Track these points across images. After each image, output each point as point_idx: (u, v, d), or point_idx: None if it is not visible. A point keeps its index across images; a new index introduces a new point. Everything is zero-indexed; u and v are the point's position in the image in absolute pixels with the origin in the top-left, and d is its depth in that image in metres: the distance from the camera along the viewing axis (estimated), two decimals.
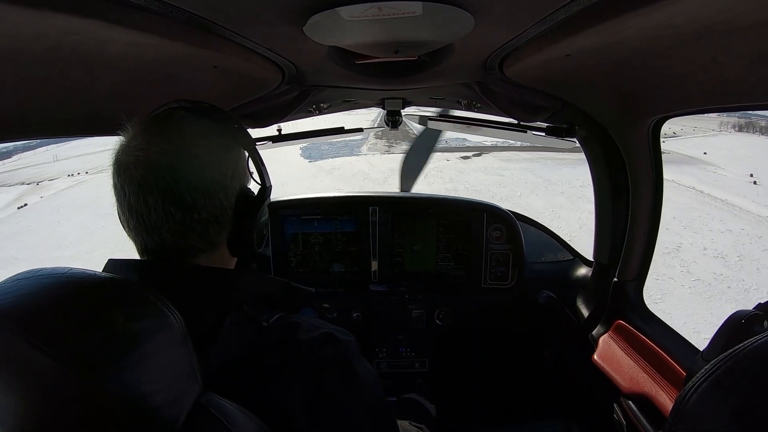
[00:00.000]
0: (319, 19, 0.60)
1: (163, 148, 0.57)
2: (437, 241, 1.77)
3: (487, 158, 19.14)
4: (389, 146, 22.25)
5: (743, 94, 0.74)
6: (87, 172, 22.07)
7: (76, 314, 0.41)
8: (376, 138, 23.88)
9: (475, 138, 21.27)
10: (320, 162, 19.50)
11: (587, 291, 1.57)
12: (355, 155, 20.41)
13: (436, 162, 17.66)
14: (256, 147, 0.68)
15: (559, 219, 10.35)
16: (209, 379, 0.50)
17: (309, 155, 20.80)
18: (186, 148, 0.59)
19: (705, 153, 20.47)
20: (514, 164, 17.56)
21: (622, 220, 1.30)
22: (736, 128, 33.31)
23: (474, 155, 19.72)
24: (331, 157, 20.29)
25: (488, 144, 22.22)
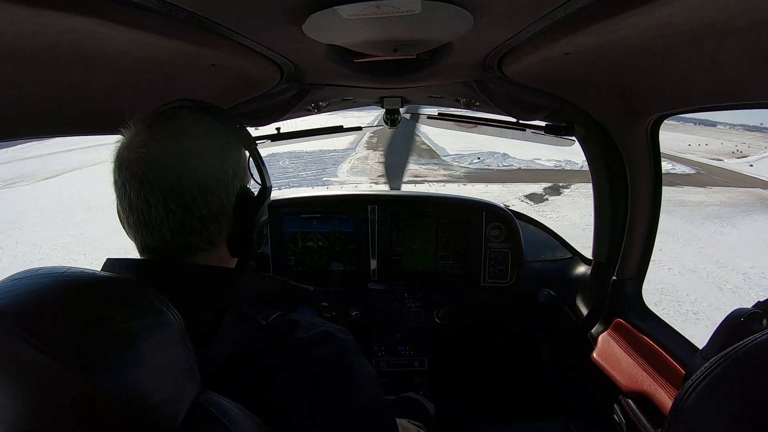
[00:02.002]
0: (317, 18, 0.60)
1: (166, 146, 0.57)
2: (436, 239, 1.77)
3: (576, 199, 9.79)
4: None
5: (742, 93, 0.74)
6: None
7: (74, 313, 0.41)
8: (368, 149, 16.03)
9: (517, 151, 13.35)
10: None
11: (586, 289, 1.57)
12: (326, 185, 10.97)
13: None
14: (257, 147, 0.68)
15: None
16: (208, 378, 0.50)
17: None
18: (188, 146, 0.59)
19: None
20: None
21: (620, 219, 1.30)
22: None
23: (548, 192, 10.48)
24: (288, 188, 10.61)
25: (549, 165, 13.54)
